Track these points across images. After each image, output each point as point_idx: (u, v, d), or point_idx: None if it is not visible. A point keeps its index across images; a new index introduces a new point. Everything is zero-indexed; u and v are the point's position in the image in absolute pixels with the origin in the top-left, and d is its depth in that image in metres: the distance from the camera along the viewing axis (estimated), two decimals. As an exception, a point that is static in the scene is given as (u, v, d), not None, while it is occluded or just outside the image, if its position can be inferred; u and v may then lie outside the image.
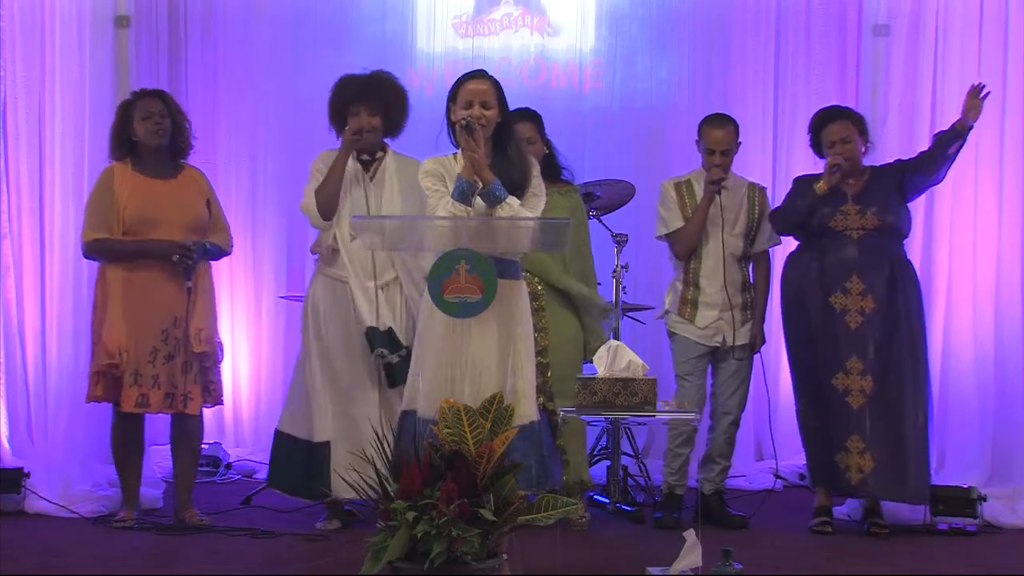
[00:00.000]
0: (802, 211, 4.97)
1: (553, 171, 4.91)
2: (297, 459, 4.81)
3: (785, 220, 5.05)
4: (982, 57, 5.77)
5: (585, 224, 5.10)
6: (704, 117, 5.22)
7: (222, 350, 4.96)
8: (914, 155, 5.15)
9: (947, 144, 4.94)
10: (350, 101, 4.80)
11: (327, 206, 4.74)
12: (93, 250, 4.84)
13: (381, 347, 4.66)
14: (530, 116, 4.92)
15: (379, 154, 4.89)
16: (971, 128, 4.94)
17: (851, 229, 4.92)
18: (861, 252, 4.90)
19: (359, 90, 4.82)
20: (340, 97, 4.84)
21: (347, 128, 4.75)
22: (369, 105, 4.79)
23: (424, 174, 3.93)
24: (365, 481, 3.44)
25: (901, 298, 4.91)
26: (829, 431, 4.90)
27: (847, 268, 4.90)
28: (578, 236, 4.86)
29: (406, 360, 4.32)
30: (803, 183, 5.07)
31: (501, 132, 3.95)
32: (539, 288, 4.79)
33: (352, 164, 4.81)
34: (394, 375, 4.63)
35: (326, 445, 4.74)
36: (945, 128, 5.02)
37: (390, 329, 4.71)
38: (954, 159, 4.99)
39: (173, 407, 4.76)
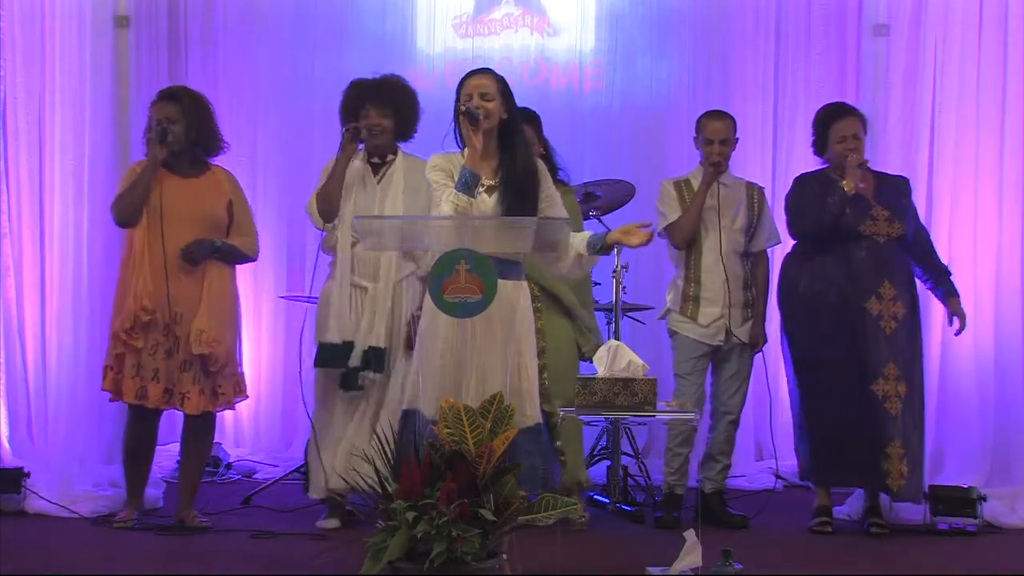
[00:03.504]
0: (835, 212, 4.85)
1: (549, 172, 4.90)
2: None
3: (818, 221, 4.90)
4: (982, 57, 5.77)
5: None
6: (702, 113, 5.22)
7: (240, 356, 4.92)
8: (925, 228, 5.21)
9: (934, 287, 5.12)
10: (359, 103, 4.80)
11: (327, 208, 4.74)
12: (115, 209, 4.76)
13: (371, 369, 4.68)
14: (527, 117, 4.91)
15: (390, 157, 4.88)
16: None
17: (879, 234, 4.90)
18: (890, 257, 4.90)
19: (367, 92, 4.82)
20: (350, 100, 4.85)
21: (344, 129, 4.74)
22: (378, 106, 4.79)
23: (431, 168, 3.92)
24: (365, 481, 3.44)
25: (917, 303, 5.00)
26: (867, 436, 4.82)
27: (880, 273, 4.87)
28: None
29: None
30: (816, 182, 5.01)
31: (506, 129, 3.90)
32: (536, 291, 4.78)
33: (361, 166, 4.80)
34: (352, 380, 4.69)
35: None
36: (949, 277, 5.13)
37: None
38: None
39: (170, 403, 4.73)
